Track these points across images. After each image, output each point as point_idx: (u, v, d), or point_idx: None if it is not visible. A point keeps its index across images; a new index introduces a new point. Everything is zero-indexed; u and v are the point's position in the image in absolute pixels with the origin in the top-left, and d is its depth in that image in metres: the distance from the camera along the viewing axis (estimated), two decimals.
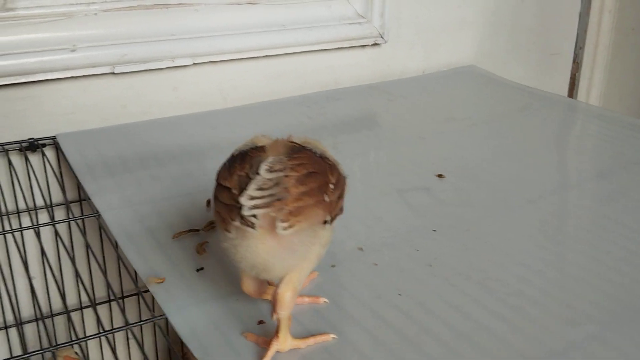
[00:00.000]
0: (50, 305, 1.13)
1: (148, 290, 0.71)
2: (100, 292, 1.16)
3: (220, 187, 0.58)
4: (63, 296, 1.03)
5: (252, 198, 0.53)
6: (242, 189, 0.54)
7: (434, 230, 0.82)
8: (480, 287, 0.70)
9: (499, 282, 0.71)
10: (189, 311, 0.66)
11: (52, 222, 0.88)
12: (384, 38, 1.33)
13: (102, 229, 0.87)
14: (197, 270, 0.73)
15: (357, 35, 1.30)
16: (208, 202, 0.87)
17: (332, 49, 1.29)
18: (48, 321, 1.13)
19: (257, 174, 0.54)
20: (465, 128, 1.17)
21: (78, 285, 1.12)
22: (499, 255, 0.77)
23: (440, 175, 0.96)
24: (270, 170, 0.54)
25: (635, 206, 0.89)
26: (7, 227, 1.05)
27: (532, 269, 0.74)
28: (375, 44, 1.33)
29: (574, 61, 1.66)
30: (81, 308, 1.14)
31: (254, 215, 0.53)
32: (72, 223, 1.01)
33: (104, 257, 1.03)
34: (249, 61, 1.22)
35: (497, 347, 0.61)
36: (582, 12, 1.61)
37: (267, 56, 1.23)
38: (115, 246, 0.82)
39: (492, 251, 0.78)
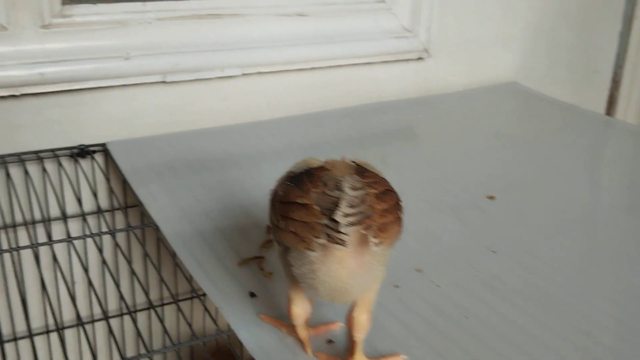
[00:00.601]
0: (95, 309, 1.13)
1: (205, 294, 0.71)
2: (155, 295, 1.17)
3: (293, 205, 0.57)
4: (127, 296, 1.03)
5: (346, 215, 0.52)
6: (323, 206, 0.54)
7: (493, 252, 0.81)
8: (546, 311, 0.70)
9: (567, 307, 0.71)
10: (256, 328, 0.66)
11: (111, 231, 0.88)
12: (429, 53, 1.32)
13: (158, 238, 0.88)
14: (251, 296, 0.72)
15: (402, 50, 1.30)
16: (268, 228, 0.84)
17: (377, 62, 1.29)
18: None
19: (342, 191, 0.54)
20: (510, 145, 1.17)
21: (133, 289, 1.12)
22: (563, 278, 0.76)
23: (491, 197, 0.95)
24: (354, 189, 0.54)
25: None
26: (57, 231, 1.06)
27: (602, 295, 0.73)
28: (419, 58, 1.33)
29: (613, 80, 1.65)
30: (121, 315, 1.14)
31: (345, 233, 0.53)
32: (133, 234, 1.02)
33: (159, 262, 1.04)
34: (296, 73, 1.22)
35: None
36: (623, 32, 1.60)
37: (314, 68, 1.23)
38: (173, 255, 0.82)
39: (555, 274, 0.77)
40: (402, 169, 1.06)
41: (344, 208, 0.53)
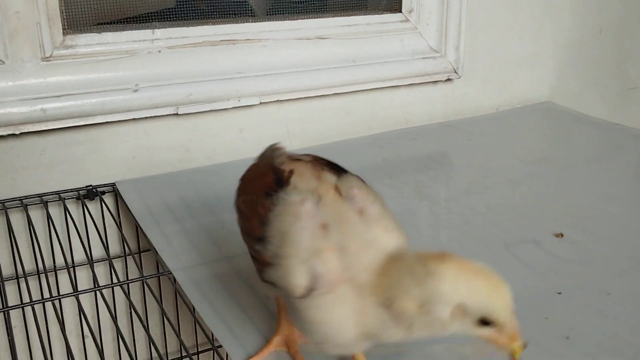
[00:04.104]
0: None
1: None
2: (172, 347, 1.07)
3: None
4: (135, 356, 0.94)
5: None
6: None
7: (559, 293, 0.71)
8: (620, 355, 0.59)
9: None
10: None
11: (122, 282, 0.78)
12: (457, 73, 1.23)
13: (175, 290, 0.78)
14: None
15: (430, 71, 1.21)
16: None
17: (404, 85, 1.20)
18: None
19: None
20: (559, 170, 1.07)
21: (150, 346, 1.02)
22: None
23: (558, 235, 0.84)
24: None
25: None
26: (64, 283, 0.97)
27: None
28: (448, 80, 1.24)
29: None
30: None
31: None
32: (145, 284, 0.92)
33: (178, 315, 0.94)
34: (318, 99, 1.13)
35: None
36: None
37: (336, 94, 1.14)
38: (192, 310, 0.73)
39: (634, 317, 0.67)
40: (440, 200, 0.96)
41: None
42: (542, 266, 0.77)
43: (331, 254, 0.50)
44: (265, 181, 0.56)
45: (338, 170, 0.57)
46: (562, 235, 0.83)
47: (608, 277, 0.74)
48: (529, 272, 0.76)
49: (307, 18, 1.10)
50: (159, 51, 0.99)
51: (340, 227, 0.52)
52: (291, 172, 0.55)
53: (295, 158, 0.58)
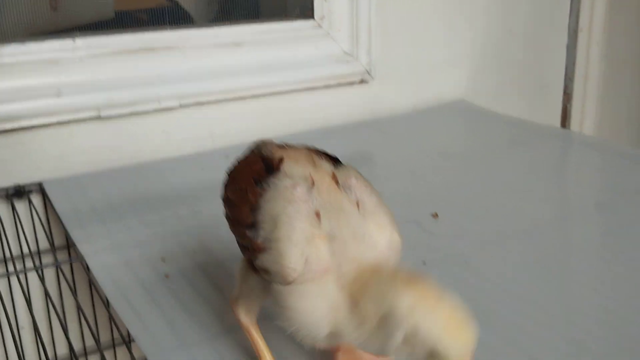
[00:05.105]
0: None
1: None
2: (88, 341, 1.14)
3: None
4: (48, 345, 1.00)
5: None
6: None
7: (424, 263, 0.80)
8: (477, 320, 0.68)
9: (494, 315, 0.69)
10: (174, 355, 0.64)
11: (38, 267, 0.86)
12: (371, 75, 1.33)
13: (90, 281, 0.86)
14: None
15: (344, 73, 1.30)
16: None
17: (320, 87, 1.29)
18: None
19: None
20: (458, 163, 1.16)
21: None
22: (495, 288, 0.75)
23: (435, 215, 0.93)
24: None
25: (635, 236, 0.87)
26: None
27: (530, 302, 0.72)
28: (362, 81, 1.33)
29: (564, 92, 1.66)
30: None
31: None
32: (60, 270, 1.00)
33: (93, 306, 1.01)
34: (237, 101, 1.22)
35: None
36: (570, 45, 1.62)
37: (254, 96, 1.23)
38: (107, 304, 0.78)
39: (487, 283, 0.76)
40: None
41: None
42: (416, 241, 0.86)
43: (322, 242, 0.50)
44: (254, 169, 0.56)
45: (335, 160, 0.57)
46: (437, 215, 0.92)
47: (470, 249, 0.83)
48: (403, 247, 0.85)
49: (223, 26, 1.19)
50: (81, 60, 1.07)
51: (334, 216, 0.51)
52: (281, 159, 0.55)
53: (286, 146, 0.58)
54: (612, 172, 1.12)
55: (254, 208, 0.53)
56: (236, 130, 1.23)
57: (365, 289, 0.49)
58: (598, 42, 1.63)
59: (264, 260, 0.52)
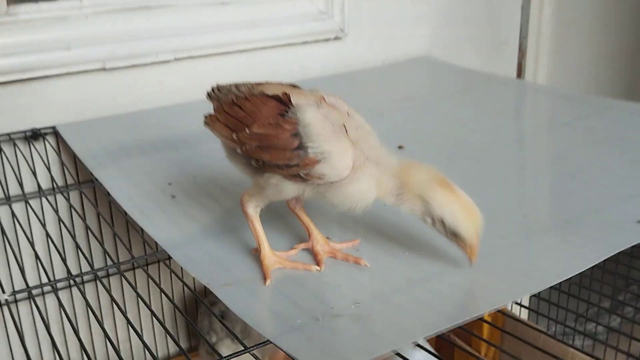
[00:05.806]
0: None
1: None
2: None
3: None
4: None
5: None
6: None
7: None
8: None
9: None
10: (186, 247, 0.81)
11: (58, 190, 1.01)
12: (344, 32, 1.48)
13: (110, 202, 1.01)
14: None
15: (320, 30, 1.45)
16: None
17: (298, 43, 1.45)
18: None
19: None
20: (421, 105, 1.33)
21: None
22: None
23: (401, 147, 1.10)
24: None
25: (558, 150, 1.06)
26: (16, 208, 1.19)
27: (491, 194, 0.89)
28: (337, 38, 1.49)
29: (519, 49, 1.83)
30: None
31: None
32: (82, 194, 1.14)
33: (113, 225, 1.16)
34: (225, 55, 1.37)
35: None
36: (524, 5, 1.78)
37: (240, 51, 1.38)
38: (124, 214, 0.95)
39: None
40: None
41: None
42: None
43: (352, 145, 0.68)
44: (270, 106, 0.69)
45: (299, 87, 0.74)
46: (402, 147, 1.09)
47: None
48: None
49: None
50: (87, 17, 1.21)
51: (348, 124, 0.69)
52: (288, 94, 0.69)
53: (258, 84, 0.74)
54: (553, 110, 1.30)
55: (296, 133, 0.67)
56: (223, 81, 1.37)
57: (406, 177, 0.70)
58: (550, 2, 1.80)
59: (320, 169, 0.67)
